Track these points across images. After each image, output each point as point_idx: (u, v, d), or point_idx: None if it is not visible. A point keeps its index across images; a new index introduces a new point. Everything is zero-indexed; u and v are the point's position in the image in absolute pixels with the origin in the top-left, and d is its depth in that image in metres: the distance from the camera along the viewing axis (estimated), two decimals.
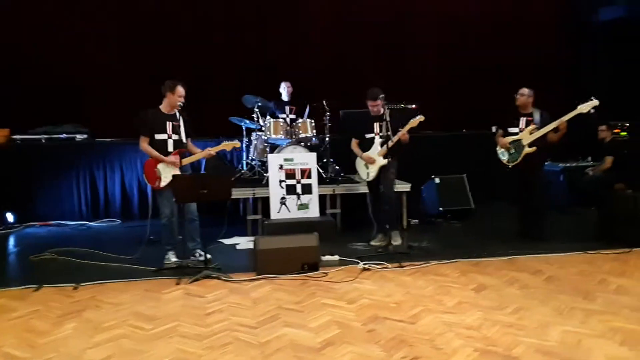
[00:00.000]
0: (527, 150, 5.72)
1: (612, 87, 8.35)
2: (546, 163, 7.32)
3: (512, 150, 5.83)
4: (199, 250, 5.31)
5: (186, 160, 5.29)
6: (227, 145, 5.32)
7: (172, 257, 5.28)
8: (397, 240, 5.86)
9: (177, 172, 5.16)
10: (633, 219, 5.65)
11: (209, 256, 5.04)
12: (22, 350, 3.36)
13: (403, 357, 3.20)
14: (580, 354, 3.20)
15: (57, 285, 4.61)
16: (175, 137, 5.21)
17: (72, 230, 7.10)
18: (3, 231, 6.93)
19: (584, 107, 5.45)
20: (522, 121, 5.86)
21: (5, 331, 3.67)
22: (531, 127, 5.74)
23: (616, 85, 8.55)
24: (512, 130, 5.92)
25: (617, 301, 4.07)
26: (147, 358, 3.23)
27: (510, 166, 5.88)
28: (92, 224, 7.41)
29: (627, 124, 7.92)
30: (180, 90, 5.18)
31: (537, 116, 5.79)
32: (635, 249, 5.44)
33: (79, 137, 7.65)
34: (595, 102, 5.41)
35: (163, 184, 5.14)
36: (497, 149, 6.01)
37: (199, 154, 5.32)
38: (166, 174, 5.14)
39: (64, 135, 7.58)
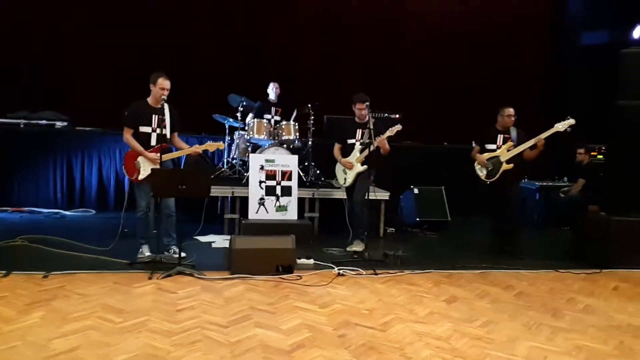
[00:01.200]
0: (505, 166, 5.81)
1: (590, 110, 8.51)
2: (523, 180, 7.45)
3: (490, 167, 5.91)
4: (173, 247, 5.27)
5: (169, 156, 5.20)
6: (210, 146, 5.27)
7: (145, 251, 5.23)
8: (357, 247, 5.83)
9: (157, 166, 5.10)
10: (604, 240, 5.76)
11: (183, 254, 4.99)
12: None
13: None
14: None
15: (27, 272, 4.53)
16: (159, 130, 5.09)
17: (46, 218, 7.00)
18: None
19: (561, 126, 5.58)
20: (500, 138, 5.96)
21: None
22: (508, 144, 5.84)
23: (594, 109, 8.72)
24: (489, 146, 6.01)
25: (584, 320, 4.14)
26: (114, 351, 3.18)
27: (488, 182, 5.96)
28: (67, 212, 7.32)
29: (604, 148, 8.08)
30: (162, 82, 5.07)
31: (514, 133, 5.89)
32: (605, 270, 5.54)
33: (58, 124, 7.53)
34: (571, 121, 5.54)
35: (141, 177, 5.10)
36: (475, 164, 6.09)
37: (186, 150, 5.26)
38: (145, 167, 5.09)
39: (44, 121, 7.46)
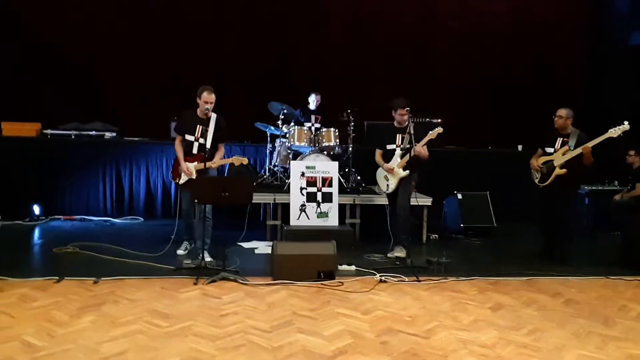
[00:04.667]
0: (558, 171, 5.64)
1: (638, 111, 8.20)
2: (580, 187, 7.18)
3: (544, 171, 5.77)
4: (207, 251, 5.40)
5: (199, 166, 5.39)
6: (236, 160, 5.51)
7: (182, 247, 5.65)
8: (399, 253, 5.78)
9: (193, 176, 5.37)
10: None
11: (208, 259, 5.28)
12: (40, 339, 3.44)
13: None
14: None
15: (78, 278, 4.70)
16: (201, 140, 5.40)
17: (96, 226, 7.25)
18: (29, 223, 7.10)
19: (614, 132, 5.38)
20: (559, 141, 5.77)
21: (26, 320, 3.75)
22: (564, 148, 5.67)
23: None
24: (548, 149, 5.85)
25: (637, 328, 3.99)
26: (161, 355, 3.27)
27: (541, 186, 5.82)
28: (116, 220, 7.55)
29: None
30: (207, 96, 5.34)
31: (573, 138, 5.67)
32: None
33: (107, 134, 7.79)
34: (626, 126, 5.34)
35: (181, 181, 5.47)
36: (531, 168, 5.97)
37: (222, 160, 5.49)
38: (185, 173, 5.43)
39: (94, 132, 7.74)
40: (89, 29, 8.41)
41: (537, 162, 5.86)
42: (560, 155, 5.68)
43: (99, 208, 7.67)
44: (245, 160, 5.59)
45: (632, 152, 7.47)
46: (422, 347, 3.52)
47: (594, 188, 7.72)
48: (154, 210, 7.88)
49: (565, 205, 5.84)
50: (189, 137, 5.44)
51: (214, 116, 5.41)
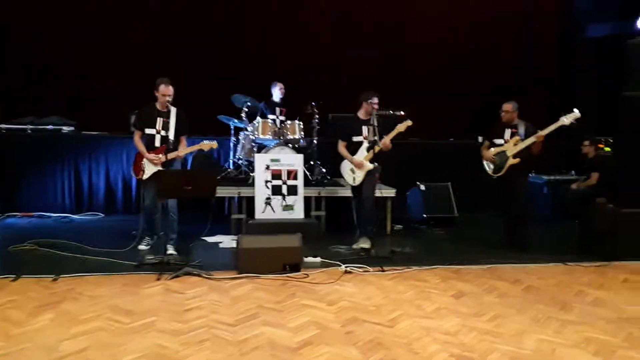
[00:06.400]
0: (512, 161, 5.80)
1: (598, 102, 8.46)
2: (530, 175, 7.42)
3: (497, 162, 5.91)
4: (172, 246, 5.35)
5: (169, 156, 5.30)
6: (204, 145, 5.44)
7: (143, 244, 5.55)
8: (364, 244, 5.81)
9: (159, 167, 5.27)
10: (612, 233, 5.73)
11: (171, 251, 5.23)
12: None
13: (379, 359, 3.22)
14: None
15: (36, 276, 4.58)
16: (163, 133, 5.33)
17: (55, 222, 7.06)
18: None
19: (566, 119, 5.55)
20: (508, 132, 5.95)
21: None
22: (515, 138, 5.83)
23: (602, 100, 8.67)
24: (497, 141, 6.01)
25: (593, 312, 4.12)
26: (123, 351, 3.21)
27: (495, 177, 5.96)
28: (75, 216, 7.37)
29: (611, 140, 8.02)
30: (163, 89, 5.30)
31: (521, 128, 5.87)
32: (614, 263, 5.51)
33: (65, 129, 7.59)
34: (577, 114, 5.51)
35: (145, 176, 5.36)
36: (483, 160, 6.09)
37: (171, 154, 5.31)
38: (149, 167, 5.31)
39: (51, 126, 7.52)
40: (43, 20, 8.14)
41: (489, 153, 5.99)
42: (512, 145, 5.82)
43: (57, 204, 7.48)
44: (215, 145, 5.54)
45: (587, 143, 7.73)
46: (387, 336, 3.55)
47: (552, 178, 7.93)
48: (114, 205, 7.73)
49: (520, 192, 6.01)
50: (149, 131, 5.36)
51: (174, 110, 5.37)
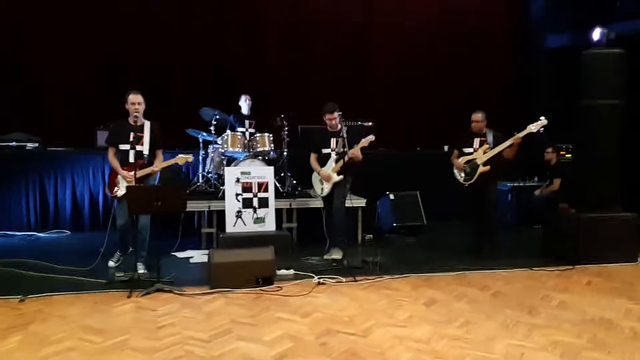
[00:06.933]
0: (482, 169, 5.93)
1: (557, 110, 8.74)
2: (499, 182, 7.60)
3: (468, 170, 6.03)
4: (142, 264, 5.28)
5: (142, 172, 5.21)
6: (180, 159, 5.41)
7: (113, 260, 5.48)
8: (335, 254, 5.87)
9: (131, 184, 5.15)
10: (576, 237, 5.92)
11: (141, 271, 5.16)
12: None
13: None
14: None
15: (2, 297, 4.47)
16: (138, 147, 5.24)
17: (20, 241, 6.90)
18: None
19: (534, 127, 5.71)
20: (476, 141, 6.08)
21: None
22: (485, 147, 5.96)
23: (561, 109, 8.97)
24: (466, 150, 6.13)
25: (559, 316, 4.25)
26: None
27: (466, 185, 6.08)
28: (41, 234, 7.21)
29: (571, 147, 8.30)
30: (132, 97, 5.23)
31: (490, 136, 6.02)
32: (578, 266, 5.69)
33: (29, 145, 7.43)
34: (544, 121, 5.69)
35: (120, 193, 5.23)
36: (454, 168, 6.21)
37: (146, 169, 5.26)
38: (123, 184, 5.22)
39: (14, 143, 7.35)
40: (5, 31, 7.99)
41: (459, 162, 6.13)
42: (481, 153, 5.97)
43: (22, 222, 7.30)
44: (190, 158, 5.51)
45: (549, 150, 8.00)
46: (361, 346, 3.60)
47: (516, 184, 8.15)
48: (81, 222, 7.58)
49: (491, 199, 6.15)
50: (123, 147, 5.26)
51: (147, 123, 5.31)
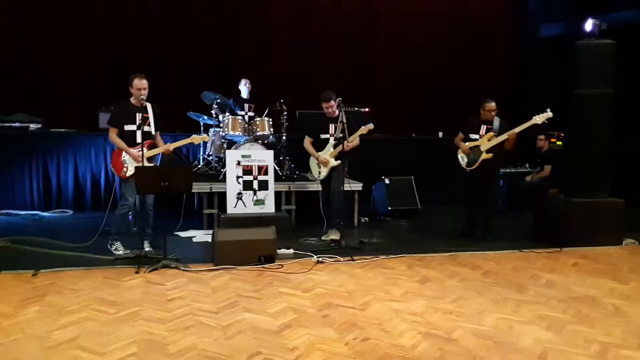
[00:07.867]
0: (485, 156, 6.08)
1: (551, 99, 8.95)
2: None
3: (471, 155, 6.20)
4: (147, 241, 5.43)
5: (153, 152, 5.36)
6: (195, 139, 5.47)
7: (119, 248, 5.34)
8: (333, 235, 6.07)
9: (139, 164, 5.24)
10: (563, 221, 6.16)
11: (147, 248, 5.26)
12: None
13: (354, 337, 3.49)
14: (511, 337, 3.58)
15: (15, 271, 4.66)
16: (146, 128, 5.29)
17: (24, 220, 7.06)
18: None
19: (539, 118, 5.86)
20: (483, 128, 6.21)
21: None
22: (490, 134, 6.12)
23: (555, 97, 9.18)
24: (472, 136, 6.25)
25: (546, 293, 4.50)
26: (114, 339, 3.37)
27: (468, 170, 6.24)
28: (44, 214, 7.38)
29: (562, 134, 8.52)
30: (137, 83, 5.28)
31: (496, 124, 6.14)
32: (565, 249, 5.96)
33: (32, 126, 7.56)
34: (549, 114, 5.82)
35: (129, 173, 5.29)
36: (458, 152, 6.34)
37: (158, 149, 5.41)
38: (132, 164, 5.29)
39: (17, 124, 7.48)
40: (13, 15, 8.07)
41: (465, 146, 6.23)
42: (486, 141, 6.12)
43: (25, 202, 7.47)
44: (206, 138, 5.59)
45: (542, 137, 8.23)
46: (360, 318, 3.83)
47: (507, 170, 8.39)
48: (83, 202, 7.76)
49: (492, 186, 6.35)
50: (129, 127, 5.30)
51: (149, 105, 5.37)
